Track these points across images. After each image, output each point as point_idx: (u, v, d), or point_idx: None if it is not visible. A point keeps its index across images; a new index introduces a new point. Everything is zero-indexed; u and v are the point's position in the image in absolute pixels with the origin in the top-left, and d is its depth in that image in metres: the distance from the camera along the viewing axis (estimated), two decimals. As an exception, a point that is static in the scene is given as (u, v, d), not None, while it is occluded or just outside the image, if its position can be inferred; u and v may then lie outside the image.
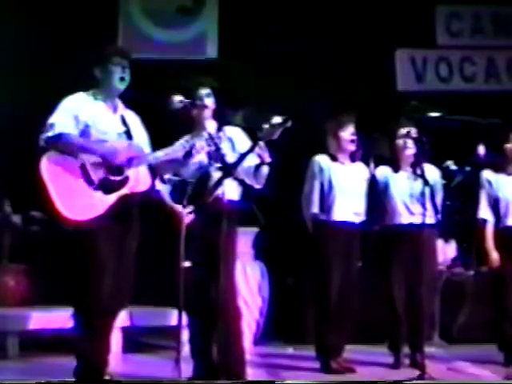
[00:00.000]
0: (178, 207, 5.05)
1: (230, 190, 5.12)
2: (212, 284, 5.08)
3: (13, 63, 8.26)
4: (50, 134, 4.90)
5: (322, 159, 6.39)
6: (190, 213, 5.04)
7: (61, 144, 4.89)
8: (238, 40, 8.66)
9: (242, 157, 4.99)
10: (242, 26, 8.63)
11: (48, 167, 4.84)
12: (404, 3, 8.74)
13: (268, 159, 5.11)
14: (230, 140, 5.32)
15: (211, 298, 5.11)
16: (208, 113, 5.38)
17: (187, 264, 4.96)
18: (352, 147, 6.37)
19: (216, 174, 5.08)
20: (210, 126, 5.37)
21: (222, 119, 5.44)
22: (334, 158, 6.39)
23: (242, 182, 5.12)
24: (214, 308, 4.99)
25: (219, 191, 5.08)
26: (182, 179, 5.22)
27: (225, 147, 5.17)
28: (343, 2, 8.76)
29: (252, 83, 8.27)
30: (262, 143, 4.97)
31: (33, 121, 5.15)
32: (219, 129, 5.37)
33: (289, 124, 4.86)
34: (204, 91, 5.37)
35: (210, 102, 5.37)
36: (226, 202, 5.11)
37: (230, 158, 5.09)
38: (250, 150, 4.99)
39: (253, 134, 5.02)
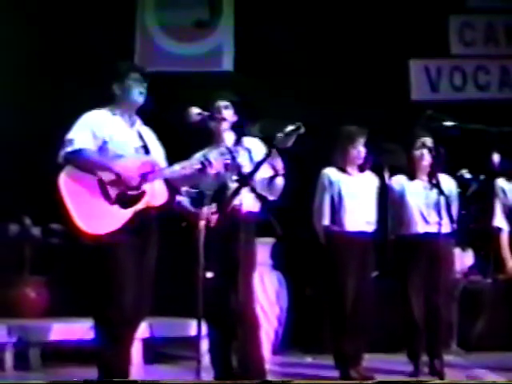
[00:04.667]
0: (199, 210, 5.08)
1: (248, 202, 5.18)
2: (231, 294, 5.13)
3: (34, 81, 8.34)
4: (68, 149, 4.95)
5: (330, 172, 6.41)
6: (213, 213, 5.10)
7: (79, 160, 4.93)
8: (254, 53, 8.72)
9: (258, 165, 5.01)
10: (258, 39, 8.68)
11: (66, 182, 4.89)
12: (417, 13, 8.77)
13: (282, 171, 5.16)
14: (249, 152, 5.34)
15: (230, 307, 5.16)
16: (226, 125, 5.43)
17: (209, 275, 5.01)
18: (360, 161, 6.41)
19: (233, 185, 5.09)
20: (228, 137, 5.42)
21: (240, 131, 5.48)
22: (342, 170, 6.41)
23: (258, 194, 5.15)
24: (233, 318, 5.05)
25: (237, 202, 5.14)
26: (199, 191, 5.25)
27: (242, 159, 5.20)
28: (357, 13, 8.80)
29: (267, 95, 8.31)
30: (275, 153, 5.01)
31: (52, 136, 5.20)
32: (237, 140, 5.41)
33: (302, 131, 4.87)
34: (222, 103, 5.43)
35: (228, 114, 5.43)
36: (244, 213, 5.19)
37: (248, 169, 5.10)
38: (265, 159, 5.01)
39: (270, 144, 5.06)
